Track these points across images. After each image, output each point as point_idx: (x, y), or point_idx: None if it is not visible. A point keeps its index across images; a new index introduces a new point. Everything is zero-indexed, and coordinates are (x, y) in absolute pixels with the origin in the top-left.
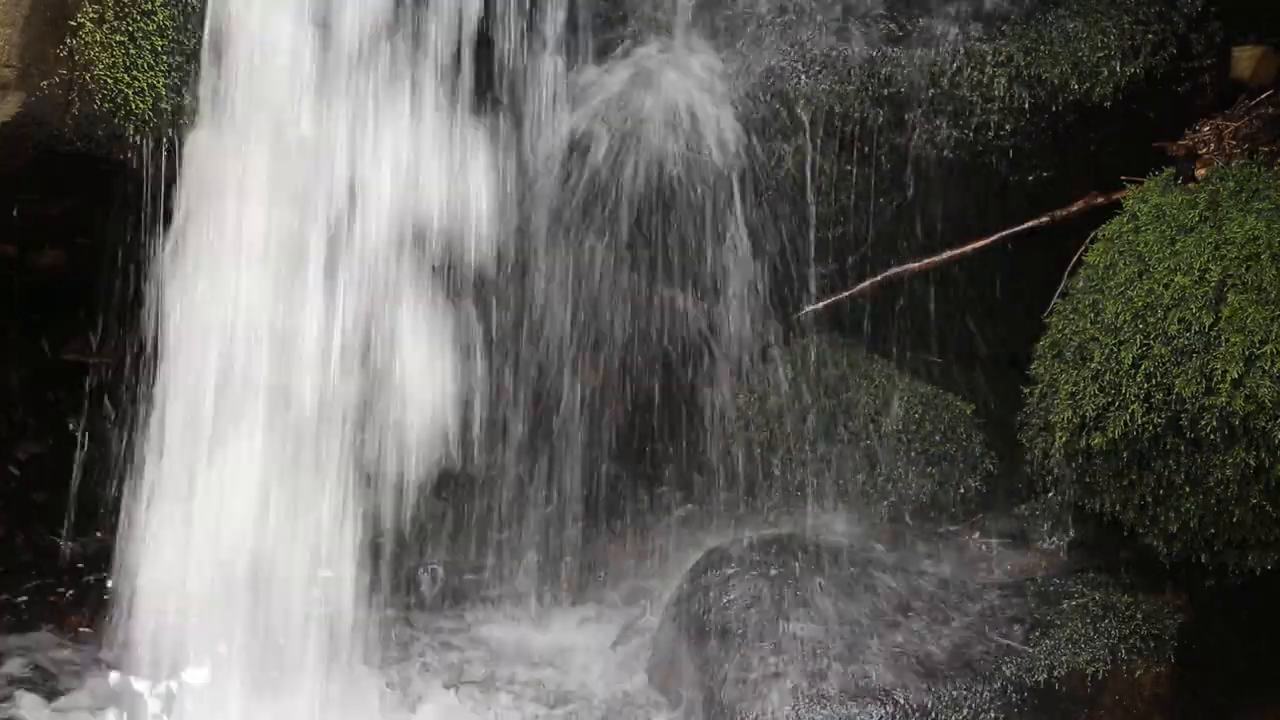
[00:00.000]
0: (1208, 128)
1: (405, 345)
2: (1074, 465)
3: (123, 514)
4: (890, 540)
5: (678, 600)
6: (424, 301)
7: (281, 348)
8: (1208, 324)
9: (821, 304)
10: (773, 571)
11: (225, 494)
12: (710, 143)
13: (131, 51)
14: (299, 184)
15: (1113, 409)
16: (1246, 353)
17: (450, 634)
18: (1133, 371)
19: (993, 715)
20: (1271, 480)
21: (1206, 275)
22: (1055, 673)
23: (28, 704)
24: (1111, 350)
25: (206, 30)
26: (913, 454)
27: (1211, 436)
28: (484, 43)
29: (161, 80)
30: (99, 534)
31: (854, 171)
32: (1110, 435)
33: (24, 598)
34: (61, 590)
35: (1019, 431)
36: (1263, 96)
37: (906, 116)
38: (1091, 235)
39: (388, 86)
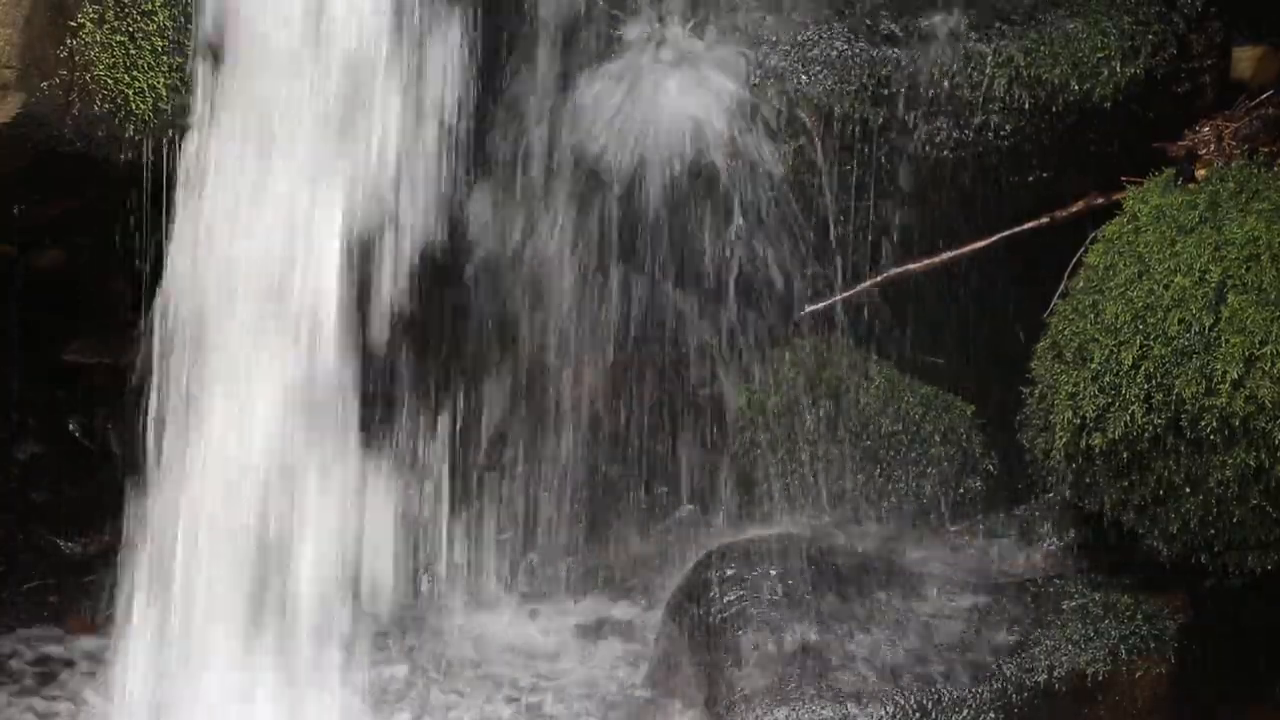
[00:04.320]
0: (1208, 128)
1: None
2: (1074, 466)
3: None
4: (890, 541)
5: (678, 601)
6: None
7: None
8: (1208, 325)
9: (822, 304)
10: (773, 572)
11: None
12: (710, 143)
13: (131, 52)
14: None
15: (1113, 410)
16: (1247, 353)
17: (449, 633)
18: (1133, 372)
19: (992, 715)
20: (1272, 481)
21: (1206, 276)
22: (1055, 673)
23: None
24: (1111, 351)
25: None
26: (913, 454)
27: (1211, 437)
28: None
29: (162, 80)
30: (99, 534)
31: (854, 171)
32: (1110, 436)
33: (24, 598)
34: (62, 590)
35: (1019, 431)
36: (1263, 97)
37: (906, 116)
38: (1091, 236)
39: None
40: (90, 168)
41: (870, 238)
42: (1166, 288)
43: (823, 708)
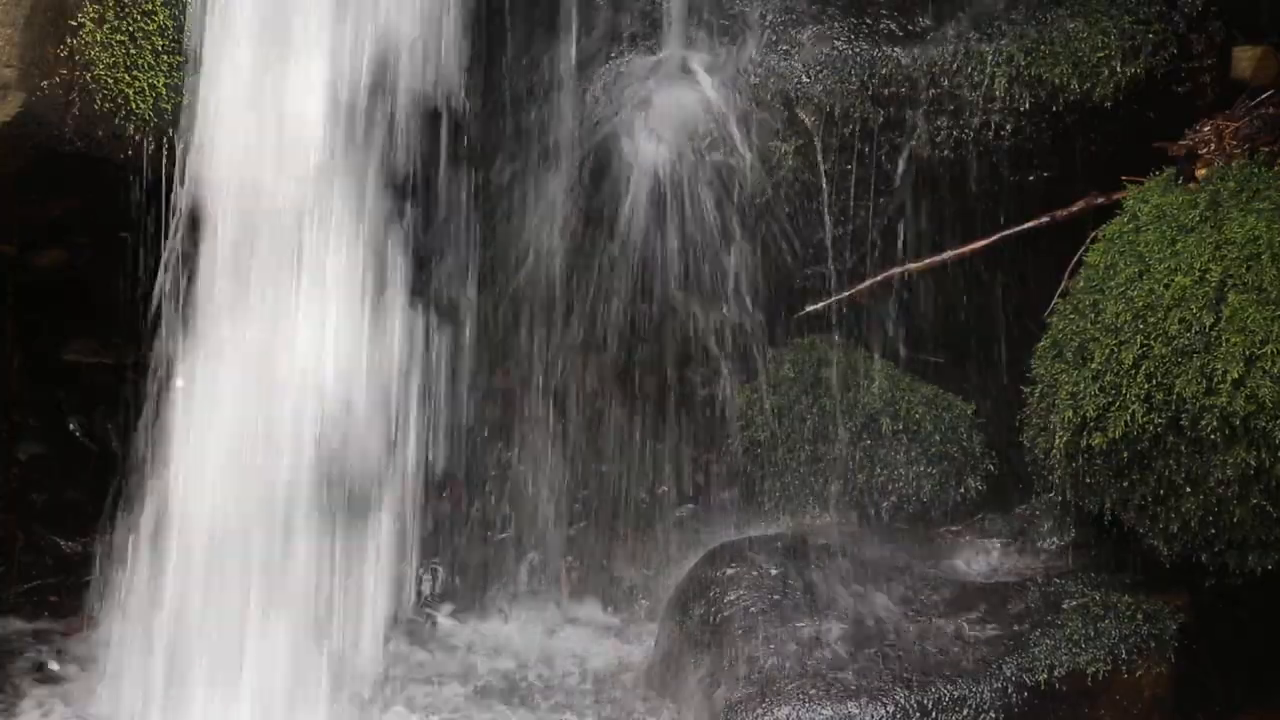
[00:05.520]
0: (1208, 128)
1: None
2: (1074, 465)
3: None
4: (891, 540)
5: (678, 601)
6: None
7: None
8: (1208, 324)
9: (822, 304)
10: (773, 572)
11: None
12: (711, 143)
13: (132, 51)
14: None
15: (1113, 409)
16: (1247, 353)
17: (450, 632)
18: (1133, 371)
19: (993, 715)
20: (1272, 480)
21: (1207, 275)
22: (1055, 673)
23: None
24: (1112, 350)
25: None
26: (913, 454)
27: (1212, 436)
28: None
29: (162, 80)
30: (99, 534)
31: (854, 171)
32: (1110, 435)
33: (24, 598)
34: (61, 590)
35: (1019, 431)
36: (1263, 97)
37: (906, 116)
38: (1092, 235)
39: None
40: (90, 168)
41: (870, 237)
42: (1167, 287)
43: (823, 707)
